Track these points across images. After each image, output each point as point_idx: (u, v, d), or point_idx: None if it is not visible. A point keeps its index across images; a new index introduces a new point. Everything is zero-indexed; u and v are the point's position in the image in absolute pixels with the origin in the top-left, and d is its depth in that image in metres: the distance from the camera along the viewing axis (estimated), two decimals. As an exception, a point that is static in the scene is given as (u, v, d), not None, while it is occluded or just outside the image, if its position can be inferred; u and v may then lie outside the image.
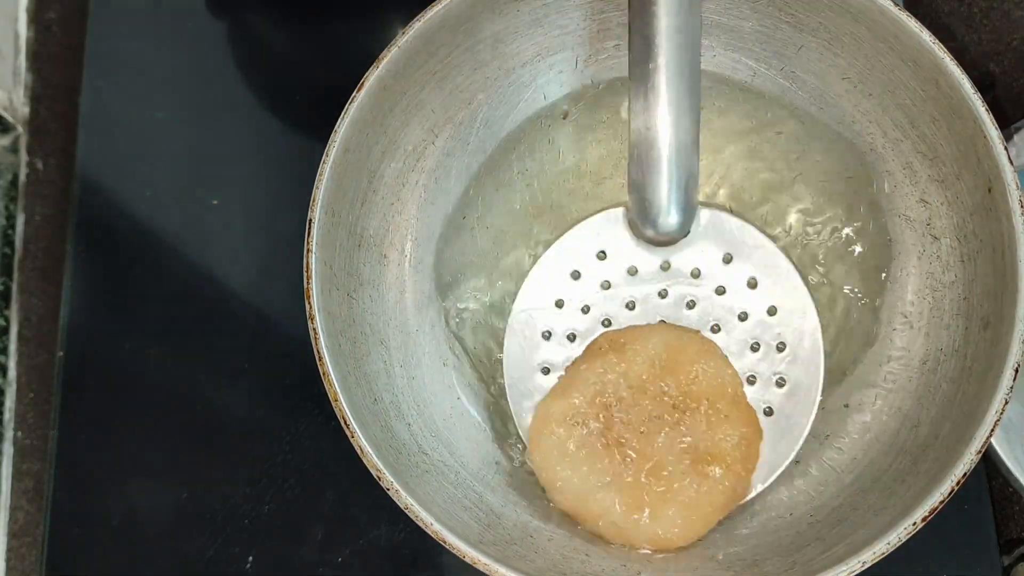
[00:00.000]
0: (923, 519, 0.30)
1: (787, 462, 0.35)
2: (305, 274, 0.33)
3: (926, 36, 0.33)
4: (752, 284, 0.36)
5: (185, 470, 0.42)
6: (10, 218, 0.47)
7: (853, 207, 0.38)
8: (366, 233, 0.37)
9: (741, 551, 0.34)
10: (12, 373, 0.46)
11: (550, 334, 0.37)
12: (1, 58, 0.47)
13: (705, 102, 0.38)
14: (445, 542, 0.31)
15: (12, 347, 0.46)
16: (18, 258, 0.47)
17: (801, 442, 0.35)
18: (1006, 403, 0.31)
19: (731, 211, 0.37)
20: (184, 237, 0.44)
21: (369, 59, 0.34)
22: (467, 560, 0.31)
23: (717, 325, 0.36)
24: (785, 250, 0.37)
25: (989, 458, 0.40)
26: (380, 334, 0.37)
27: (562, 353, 0.37)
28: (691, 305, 0.36)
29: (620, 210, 0.37)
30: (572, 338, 0.37)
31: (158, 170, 0.45)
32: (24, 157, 0.48)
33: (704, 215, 0.36)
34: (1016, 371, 0.31)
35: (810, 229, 0.38)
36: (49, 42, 0.50)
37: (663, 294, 0.37)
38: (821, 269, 0.37)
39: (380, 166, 0.37)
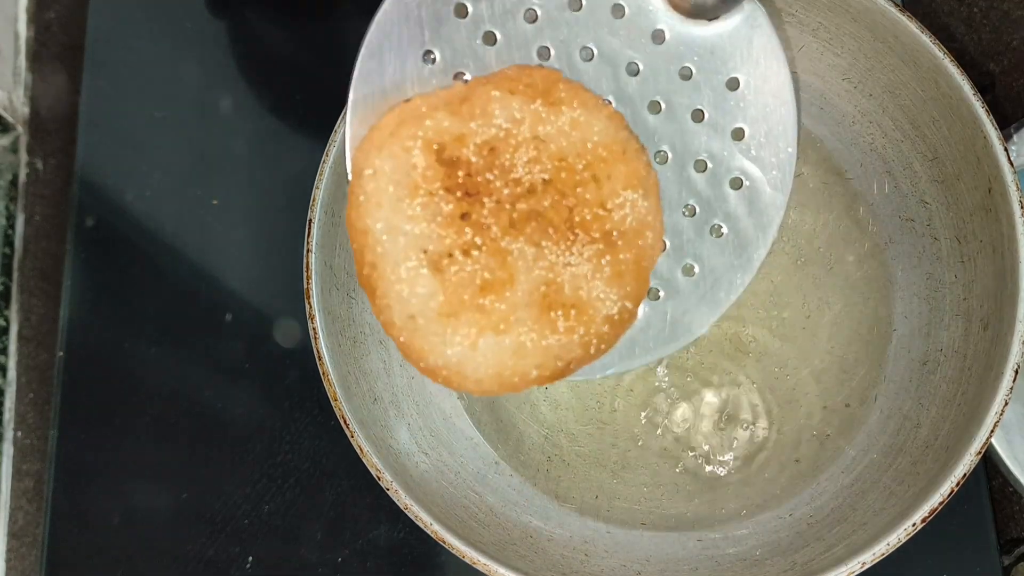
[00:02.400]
0: (923, 520, 0.30)
1: (729, 303, 0.29)
2: (305, 274, 0.33)
3: (926, 37, 0.33)
4: (732, 85, 0.28)
5: (185, 470, 0.42)
6: (10, 218, 0.47)
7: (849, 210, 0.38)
8: (366, 233, 0.36)
9: (741, 551, 0.34)
10: (12, 373, 0.46)
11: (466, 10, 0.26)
12: (1, 58, 0.47)
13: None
14: (444, 542, 0.31)
15: (12, 347, 0.46)
16: (18, 258, 0.47)
17: (748, 280, 0.29)
18: (1006, 404, 0.31)
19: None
20: (184, 237, 0.44)
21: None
22: (466, 560, 0.31)
23: (658, 103, 0.27)
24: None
25: (989, 458, 0.40)
26: (380, 334, 0.37)
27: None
28: (633, 71, 0.27)
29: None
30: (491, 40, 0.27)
31: (158, 170, 0.45)
32: (24, 157, 0.48)
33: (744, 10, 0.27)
34: (1016, 372, 0.31)
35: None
36: (49, 42, 0.50)
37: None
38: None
39: (380, 166, 0.36)
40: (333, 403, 0.32)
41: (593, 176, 0.26)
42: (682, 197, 0.28)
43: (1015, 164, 0.32)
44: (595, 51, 0.27)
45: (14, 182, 0.48)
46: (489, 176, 0.25)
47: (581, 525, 0.36)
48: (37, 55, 0.49)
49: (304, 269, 0.33)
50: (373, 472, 0.32)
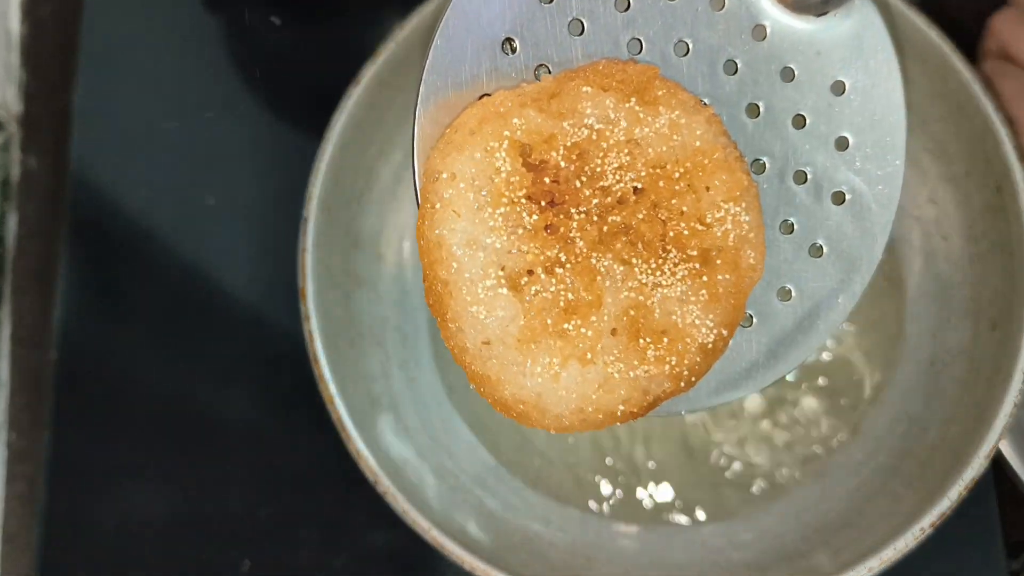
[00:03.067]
0: (932, 524, 0.30)
1: (828, 332, 0.26)
2: (300, 274, 0.32)
3: (933, 33, 0.32)
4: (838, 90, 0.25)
5: (180, 473, 0.41)
6: (3, 216, 0.47)
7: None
8: (362, 232, 0.36)
9: (746, 556, 0.34)
10: (4, 375, 0.46)
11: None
12: (-6, 55, 0.47)
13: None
14: (443, 547, 0.30)
15: (5, 348, 0.46)
16: (11, 257, 0.47)
17: (851, 306, 0.26)
18: (1015, 406, 0.30)
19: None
20: (179, 236, 0.43)
21: (366, 55, 0.34)
22: (465, 566, 0.30)
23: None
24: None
25: (996, 461, 0.39)
26: (378, 335, 0.36)
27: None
28: (731, 70, 0.25)
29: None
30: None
31: (152, 168, 0.44)
32: (17, 155, 0.48)
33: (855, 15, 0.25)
34: (1026, 373, 0.30)
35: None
36: (42, 39, 0.49)
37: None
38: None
39: (377, 164, 0.36)
40: (329, 406, 0.32)
41: (690, 186, 0.23)
42: (780, 212, 0.25)
43: None
44: (690, 46, 0.24)
45: (7, 180, 0.47)
46: (577, 184, 0.23)
47: (583, 530, 0.35)
48: (30, 52, 0.49)
49: (300, 268, 0.32)
50: (369, 476, 0.31)
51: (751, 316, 0.26)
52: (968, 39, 0.47)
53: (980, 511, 0.39)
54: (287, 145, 0.44)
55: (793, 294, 0.26)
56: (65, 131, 0.46)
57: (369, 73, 0.33)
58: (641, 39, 0.24)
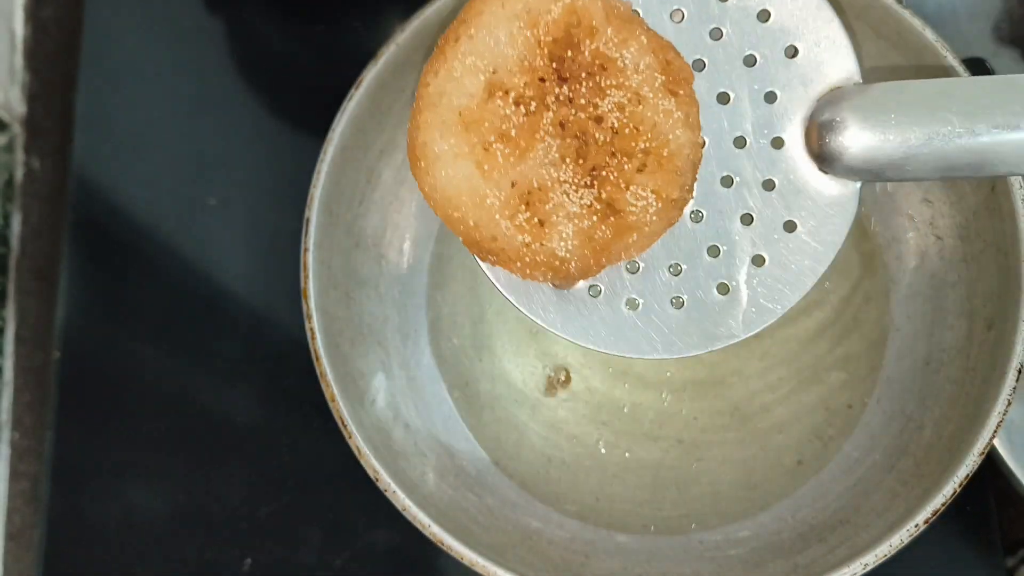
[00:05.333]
0: (926, 521, 0.30)
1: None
2: (302, 274, 0.33)
3: (929, 34, 0.32)
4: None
5: (182, 472, 0.42)
6: (6, 217, 0.47)
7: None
8: (364, 232, 0.36)
9: (742, 553, 0.34)
10: (8, 374, 0.46)
11: None
12: (-3, 57, 0.47)
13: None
14: (443, 544, 0.31)
15: (8, 348, 0.46)
16: (14, 258, 0.47)
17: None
18: (1009, 404, 0.31)
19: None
20: (181, 237, 0.44)
21: (368, 56, 0.34)
22: (466, 563, 0.30)
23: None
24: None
25: (992, 459, 0.39)
26: (378, 335, 0.36)
27: None
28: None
29: None
30: None
31: (155, 169, 0.44)
32: (20, 156, 0.48)
33: None
34: (1019, 372, 0.31)
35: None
36: (45, 40, 0.49)
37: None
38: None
39: (379, 165, 0.36)
40: (330, 404, 0.32)
41: (644, 161, 0.26)
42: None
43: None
44: (731, 95, 0.28)
45: (10, 181, 0.47)
46: (584, 77, 0.26)
47: (582, 527, 0.35)
48: (33, 53, 0.49)
49: (302, 269, 0.33)
50: (371, 474, 0.31)
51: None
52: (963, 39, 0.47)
53: (976, 509, 0.40)
54: (288, 145, 0.45)
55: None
56: (68, 132, 0.46)
57: (370, 75, 0.33)
58: (705, 60, 0.28)
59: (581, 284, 0.28)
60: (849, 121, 0.26)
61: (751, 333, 0.29)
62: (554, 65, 0.26)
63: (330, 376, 0.32)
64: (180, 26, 0.46)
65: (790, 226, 0.28)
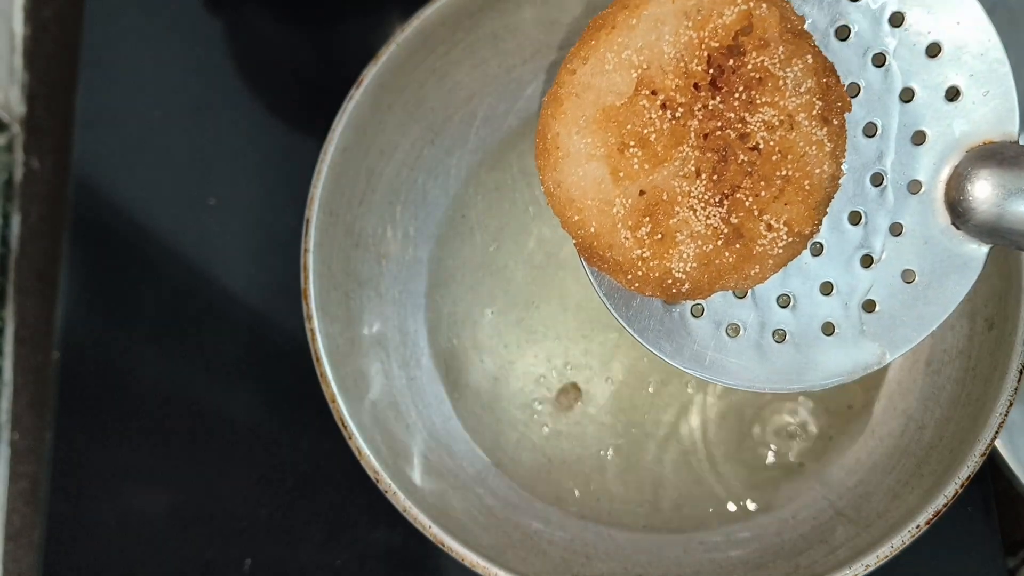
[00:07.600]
0: (927, 522, 0.30)
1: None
2: (302, 274, 0.33)
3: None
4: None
5: (182, 472, 0.42)
6: (6, 217, 0.47)
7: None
8: (364, 232, 0.36)
9: (744, 554, 0.34)
10: (8, 374, 0.46)
11: None
12: (-3, 56, 0.47)
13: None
14: (443, 545, 0.31)
15: (8, 348, 0.46)
16: (14, 258, 0.47)
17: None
18: (1010, 404, 0.31)
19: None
20: (181, 237, 0.44)
21: (367, 56, 0.34)
22: (466, 563, 0.30)
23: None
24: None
25: (993, 460, 0.39)
26: (378, 335, 0.36)
27: None
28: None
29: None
30: None
31: (155, 169, 0.44)
32: (20, 156, 0.48)
33: None
34: (1021, 372, 0.31)
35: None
36: (45, 40, 0.49)
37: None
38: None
39: (378, 165, 0.36)
40: (331, 404, 0.32)
41: (782, 187, 0.24)
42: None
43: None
44: (879, 127, 0.26)
45: (10, 181, 0.47)
46: (740, 89, 0.24)
47: (582, 528, 0.35)
48: (33, 53, 0.49)
49: (302, 269, 0.33)
50: (371, 474, 0.31)
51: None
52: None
53: (977, 510, 0.40)
54: (287, 145, 0.45)
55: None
56: (67, 132, 0.46)
57: (370, 75, 0.33)
58: (860, 85, 0.26)
59: (686, 303, 0.27)
60: (995, 180, 0.24)
61: (851, 379, 0.27)
62: (711, 72, 0.24)
63: (330, 376, 0.32)
64: (180, 26, 0.46)
65: (908, 275, 0.26)
